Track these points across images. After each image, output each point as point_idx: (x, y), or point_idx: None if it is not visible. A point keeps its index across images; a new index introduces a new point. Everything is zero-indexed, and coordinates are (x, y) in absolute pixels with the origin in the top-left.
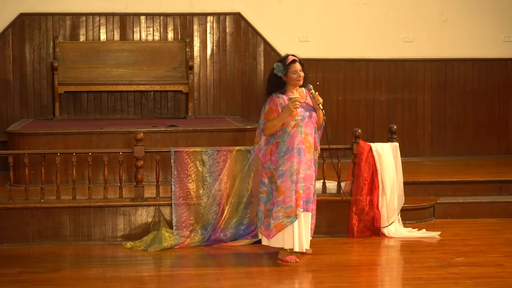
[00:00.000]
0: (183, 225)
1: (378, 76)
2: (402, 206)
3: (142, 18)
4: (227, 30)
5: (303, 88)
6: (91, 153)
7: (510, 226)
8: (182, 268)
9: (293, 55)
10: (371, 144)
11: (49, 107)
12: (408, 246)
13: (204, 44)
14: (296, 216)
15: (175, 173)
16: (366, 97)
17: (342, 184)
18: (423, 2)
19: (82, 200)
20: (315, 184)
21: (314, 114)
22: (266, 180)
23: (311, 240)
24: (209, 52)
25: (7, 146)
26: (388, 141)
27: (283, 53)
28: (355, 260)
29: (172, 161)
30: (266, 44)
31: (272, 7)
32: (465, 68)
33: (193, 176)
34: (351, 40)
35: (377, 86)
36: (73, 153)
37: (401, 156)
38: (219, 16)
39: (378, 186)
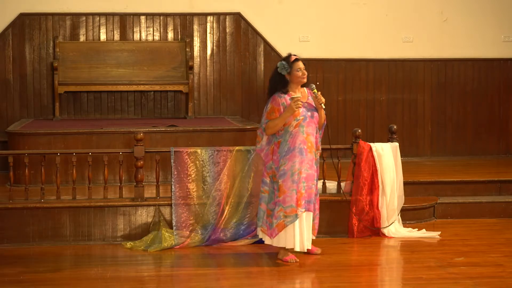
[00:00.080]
0: (183, 225)
1: (378, 76)
2: (402, 206)
3: (142, 18)
4: (227, 30)
5: (304, 88)
6: (91, 153)
7: (510, 226)
8: (182, 268)
9: (294, 55)
10: (371, 144)
11: (49, 107)
12: (408, 246)
13: (204, 44)
14: (296, 216)
15: (175, 173)
16: (366, 97)
17: (342, 184)
18: (423, 2)
19: (82, 200)
20: (317, 184)
21: (315, 114)
22: (267, 180)
23: (313, 240)
24: (209, 52)
25: (7, 146)
26: (388, 141)
27: (283, 53)
28: (355, 260)
29: (172, 161)
30: (266, 44)
31: (272, 7)
32: (465, 68)
33: (193, 176)
34: (351, 40)
35: (377, 86)
36: (73, 153)
37: (401, 156)
38: (219, 16)
39: (378, 186)
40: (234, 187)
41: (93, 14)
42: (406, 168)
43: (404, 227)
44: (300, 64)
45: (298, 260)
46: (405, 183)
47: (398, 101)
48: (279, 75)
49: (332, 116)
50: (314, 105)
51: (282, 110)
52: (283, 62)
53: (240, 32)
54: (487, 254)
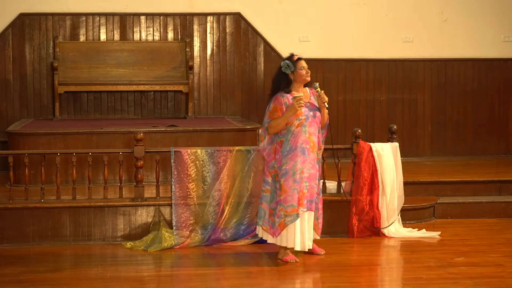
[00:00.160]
0: (183, 225)
1: (378, 76)
2: (402, 206)
3: (142, 18)
4: (227, 30)
5: (307, 88)
6: (91, 153)
7: (510, 226)
8: (182, 268)
9: (297, 55)
10: (371, 144)
11: (49, 107)
12: (408, 246)
13: (204, 44)
14: (297, 215)
15: (175, 173)
16: (366, 97)
17: (342, 184)
18: (423, 2)
19: (82, 200)
20: (319, 183)
21: (318, 113)
22: (269, 179)
23: (315, 240)
24: (209, 52)
25: (7, 146)
26: (388, 141)
27: (283, 53)
28: (355, 260)
29: (172, 161)
30: (266, 44)
31: (272, 7)
32: (465, 68)
33: (193, 176)
34: (351, 40)
35: (377, 86)
36: (73, 153)
37: (401, 156)
38: (219, 16)
39: (378, 186)
40: (234, 187)
41: (93, 14)
42: (406, 168)
43: (404, 227)
44: (304, 63)
45: (298, 260)
46: (405, 183)
47: (398, 101)
48: (283, 75)
49: (332, 116)
50: (316, 105)
51: (284, 109)
52: (287, 61)
53: (240, 32)
54: (487, 254)
